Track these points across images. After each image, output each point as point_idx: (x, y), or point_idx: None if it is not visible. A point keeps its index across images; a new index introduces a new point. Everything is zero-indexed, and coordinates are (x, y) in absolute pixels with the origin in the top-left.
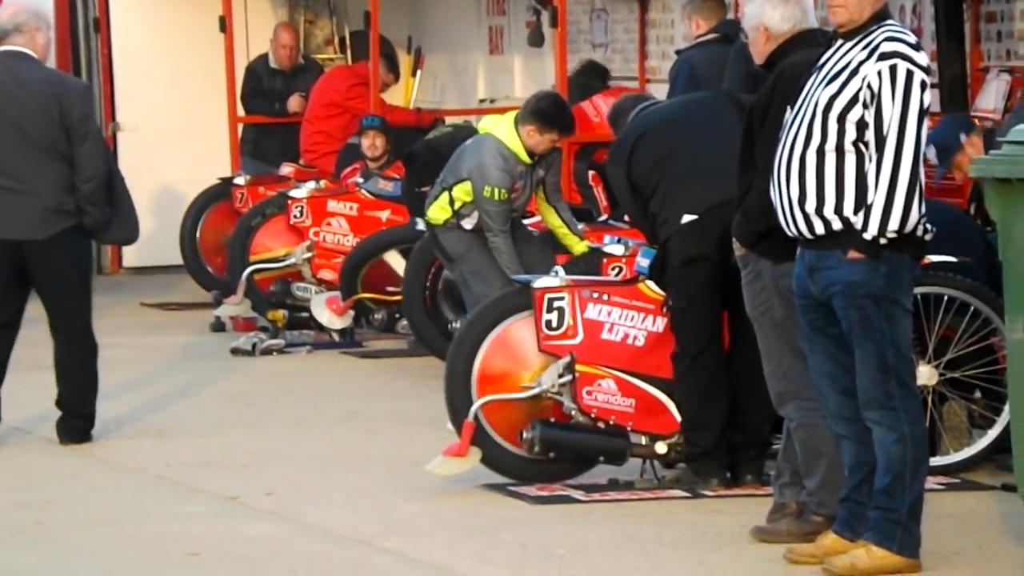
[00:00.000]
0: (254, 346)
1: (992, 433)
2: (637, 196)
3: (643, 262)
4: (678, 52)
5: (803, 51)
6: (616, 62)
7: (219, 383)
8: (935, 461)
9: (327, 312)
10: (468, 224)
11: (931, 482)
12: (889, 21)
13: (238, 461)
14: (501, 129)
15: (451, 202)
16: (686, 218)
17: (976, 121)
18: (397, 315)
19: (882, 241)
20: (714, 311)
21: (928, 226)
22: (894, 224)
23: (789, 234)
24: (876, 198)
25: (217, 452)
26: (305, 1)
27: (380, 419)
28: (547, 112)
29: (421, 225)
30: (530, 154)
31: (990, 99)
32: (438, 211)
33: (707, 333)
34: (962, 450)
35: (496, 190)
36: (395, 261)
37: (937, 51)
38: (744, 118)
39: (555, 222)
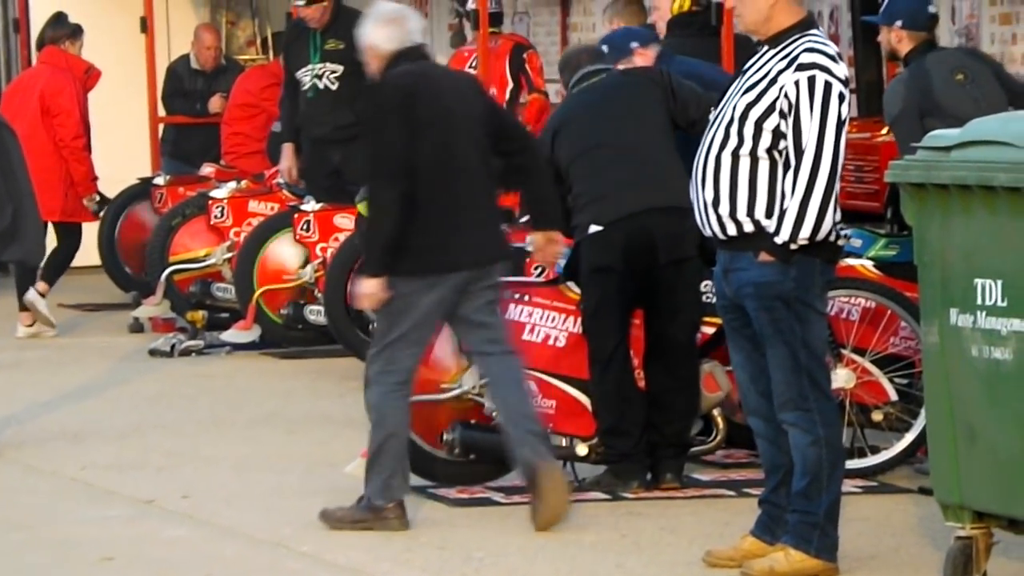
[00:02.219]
0: (173, 347)
1: (908, 437)
2: (561, 183)
3: (563, 263)
4: None
5: (403, 65)
6: None
7: (136, 384)
8: (852, 464)
9: (239, 335)
10: None
11: (849, 485)
12: (813, 31)
13: (154, 463)
14: None
15: None
16: (593, 228)
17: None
18: (302, 303)
19: (793, 246)
20: (620, 319)
21: (844, 232)
22: (806, 232)
23: (705, 234)
24: (791, 205)
25: (133, 454)
26: (227, 2)
27: (299, 420)
28: None
29: (308, 205)
30: None
31: None
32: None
33: (613, 340)
34: (880, 453)
35: None
36: (280, 249)
37: (854, 57)
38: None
39: None
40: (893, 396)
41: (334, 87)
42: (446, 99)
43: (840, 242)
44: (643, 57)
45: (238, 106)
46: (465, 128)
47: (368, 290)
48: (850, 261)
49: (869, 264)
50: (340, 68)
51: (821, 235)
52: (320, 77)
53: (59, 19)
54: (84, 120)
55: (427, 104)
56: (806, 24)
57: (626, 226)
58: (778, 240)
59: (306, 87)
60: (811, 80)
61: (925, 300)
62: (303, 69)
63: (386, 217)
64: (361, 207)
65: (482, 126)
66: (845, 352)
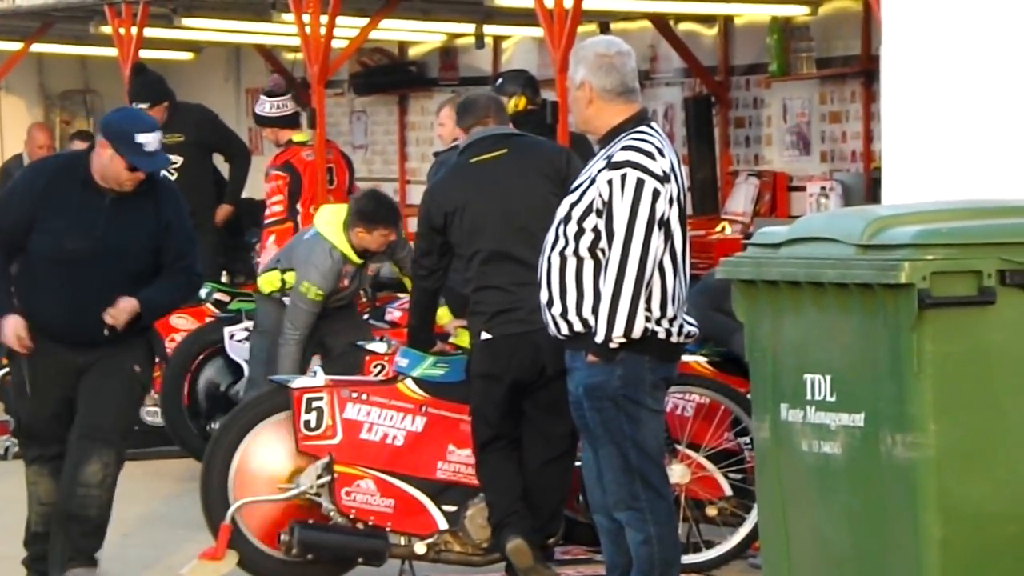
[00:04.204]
0: (6, 450)
1: (742, 531)
2: (447, 245)
3: (402, 361)
4: (436, 154)
5: None
6: (376, 163)
7: None
8: (688, 559)
9: None
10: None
11: None
12: (638, 129)
13: None
14: (332, 231)
15: (282, 281)
16: (483, 335)
17: None
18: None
19: (612, 345)
20: (500, 417)
21: (687, 329)
22: (618, 330)
23: (550, 333)
24: (601, 304)
25: None
26: (61, 102)
27: (135, 522)
28: (366, 211)
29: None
30: (362, 253)
31: (739, 202)
32: (267, 282)
33: (489, 433)
34: (714, 547)
35: (313, 288)
36: None
37: (688, 155)
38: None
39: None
40: (728, 491)
41: (173, 177)
42: None
43: (675, 339)
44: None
45: None
46: None
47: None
48: (685, 357)
49: (703, 360)
50: (180, 159)
51: (636, 332)
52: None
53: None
54: None
55: None
56: (637, 120)
57: (515, 341)
58: (596, 339)
59: None
60: (623, 178)
61: (756, 395)
62: None
63: None
64: (259, 280)
65: None
66: (680, 448)
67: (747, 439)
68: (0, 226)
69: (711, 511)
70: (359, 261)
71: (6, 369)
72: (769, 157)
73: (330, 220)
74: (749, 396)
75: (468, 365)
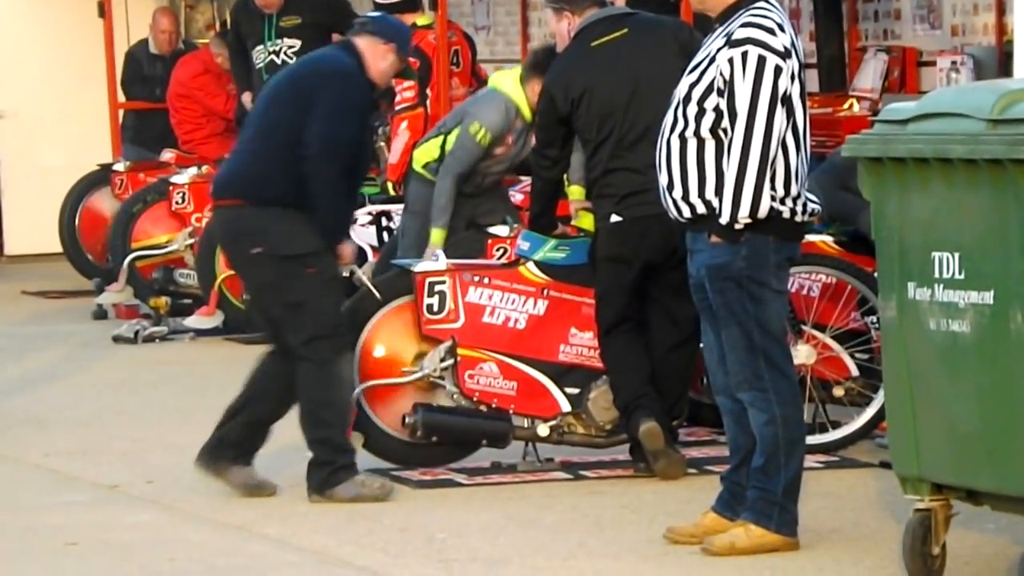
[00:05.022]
0: (136, 333)
1: (869, 411)
2: (569, 135)
3: (524, 245)
4: None
5: None
6: (498, 44)
7: (100, 371)
8: (814, 439)
9: (202, 321)
10: None
11: (810, 460)
12: (756, 4)
13: (118, 449)
14: (508, 84)
15: (442, 146)
16: (613, 218)
17: None
18: None
19: (738, 226)
20: (627, 302)
21: (811, 207)
22: (744, 211)
23: (671, 216)
24: (726, 184)
25: (97, 440)
26: None
27: None
28: (543, 62)
29: None
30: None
31: (868, 78)
32: (424, 152)
33: (613, 319)
34: (841, 428)
35: (484, 130)
36: None
37: (815, 31)
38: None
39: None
40: (854, 371)
41: (292, 61)
42: None
43: (799, 218)
44: None
45: (176, 96)
46: None
47: None
48: (811, 237)
49: (829, 240)
50: (297, 43)
51: (762, 212)
52: (277, 54)
53: None
54: None
55: None
56: None
57: (648, 223)
58: (721, 221)
59: (261, 64)
60: (744, 56)
61: (883, 274)
62: (258, 48)
63: None
64: (416, 152)
65: None
66: (806, 328)
67: (874, 319)
68: (344, 138)
69: (837, 391)
70: (531, 117)
71: (136, 254)
72: (899, 31)
73: (505, 77)
74: (876, 275)
75: (591, 248)
